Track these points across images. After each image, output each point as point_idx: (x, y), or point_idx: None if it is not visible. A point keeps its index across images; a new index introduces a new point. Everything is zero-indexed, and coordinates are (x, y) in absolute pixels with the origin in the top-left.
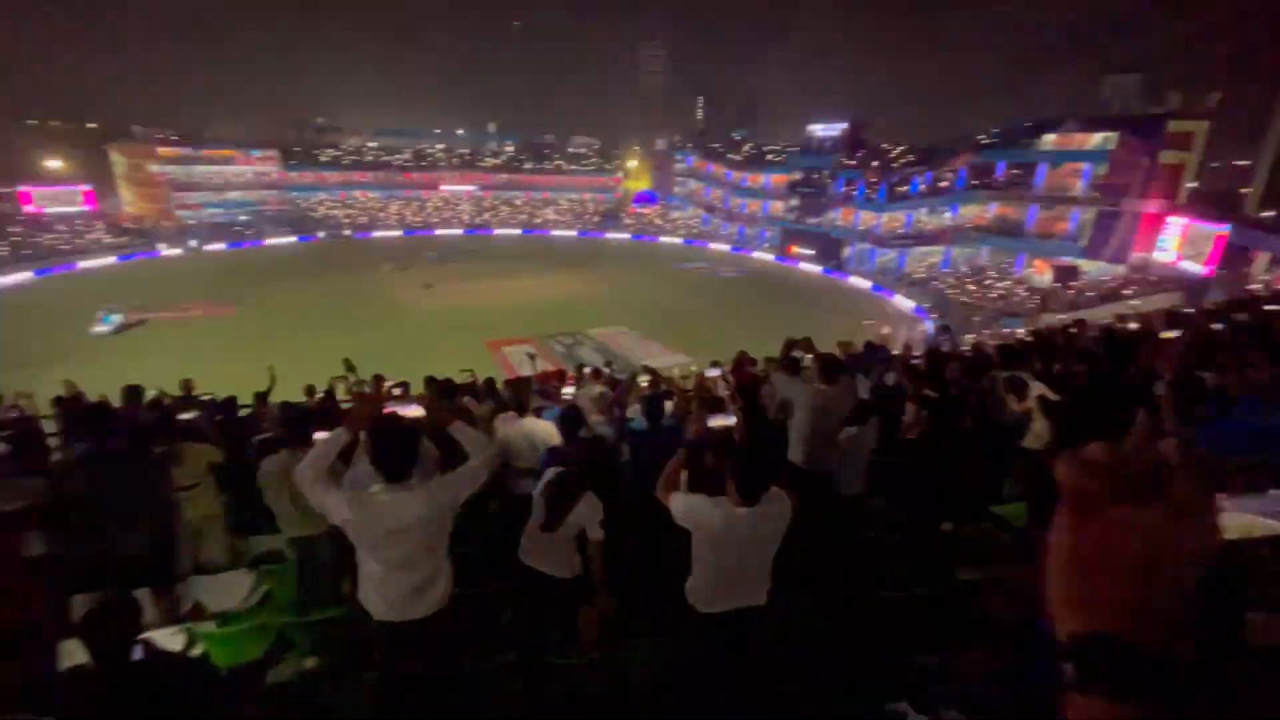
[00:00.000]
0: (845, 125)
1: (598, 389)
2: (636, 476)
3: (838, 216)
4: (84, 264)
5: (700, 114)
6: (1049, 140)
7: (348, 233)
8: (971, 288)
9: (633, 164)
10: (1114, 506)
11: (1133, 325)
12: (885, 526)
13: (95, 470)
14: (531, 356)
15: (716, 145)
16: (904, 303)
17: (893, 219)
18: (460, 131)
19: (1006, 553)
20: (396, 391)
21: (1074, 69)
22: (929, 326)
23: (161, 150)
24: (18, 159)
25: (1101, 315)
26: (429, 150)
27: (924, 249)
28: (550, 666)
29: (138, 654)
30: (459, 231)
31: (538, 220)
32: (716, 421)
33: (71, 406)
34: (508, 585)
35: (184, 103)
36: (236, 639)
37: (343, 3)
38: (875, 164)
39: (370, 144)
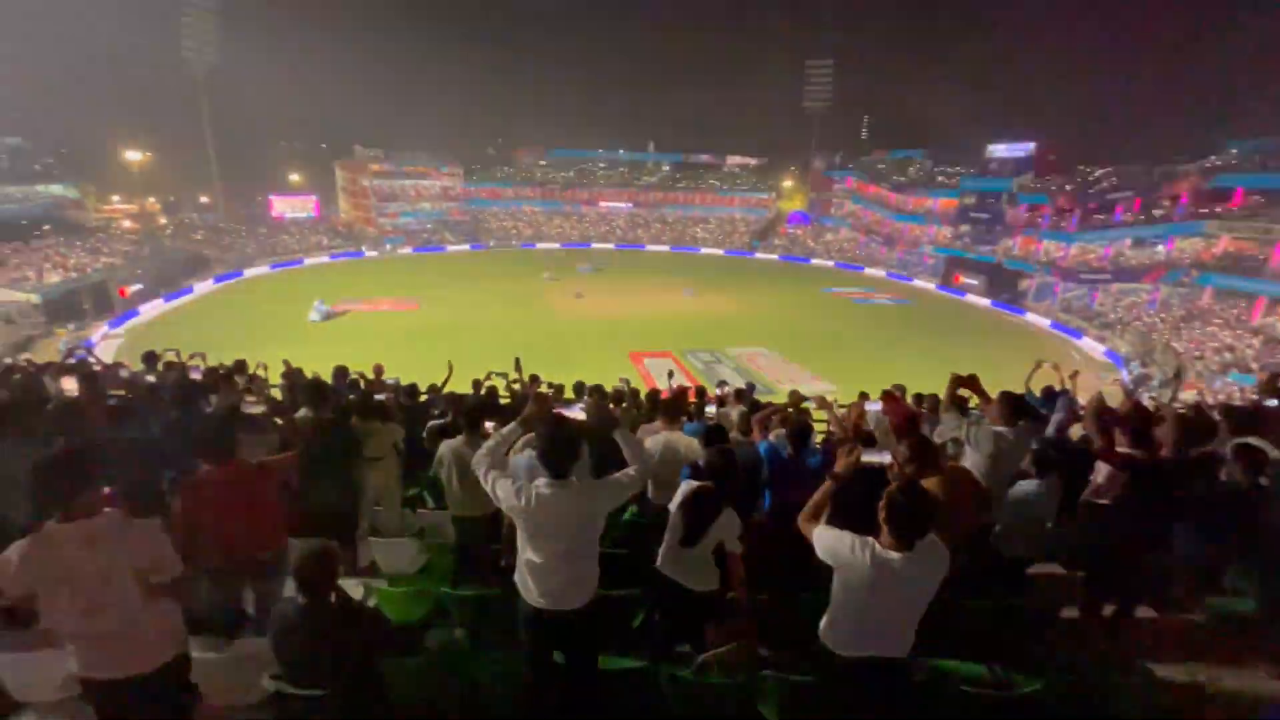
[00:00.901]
0: (1032, 145)
1: (740, 409)
2: (774, 502)
3: (1015, 245)
4: (308, 261)
5: (865, 133)
6: None
7: (515, 243)
8: (1188, 334)
9: (788, 184)
10: None
11: None
12: (1059, 600)
13: (311, 435)
14: (670, 373)
15: (880, 166)
16: (1093, 345)
17: (1085, 250)
18: (621, 151)
19: (1219, 653)
20: (549, 391)
21: None
22: (1124, 375)
23: (373, 167)
24: (268, 173)
25: None
26: (591, 169)
27: (1124, 285)
28: (675, 678)
29: (331, 596)
30: (612, 246)
31: (688, 237)
32: (871, 458)
33: (295, 379)
34: (644, 591)
35: (390, 125)
36: (401, 599)
37: (530, 40)
38: (1068, 187)
39: (540, 162)
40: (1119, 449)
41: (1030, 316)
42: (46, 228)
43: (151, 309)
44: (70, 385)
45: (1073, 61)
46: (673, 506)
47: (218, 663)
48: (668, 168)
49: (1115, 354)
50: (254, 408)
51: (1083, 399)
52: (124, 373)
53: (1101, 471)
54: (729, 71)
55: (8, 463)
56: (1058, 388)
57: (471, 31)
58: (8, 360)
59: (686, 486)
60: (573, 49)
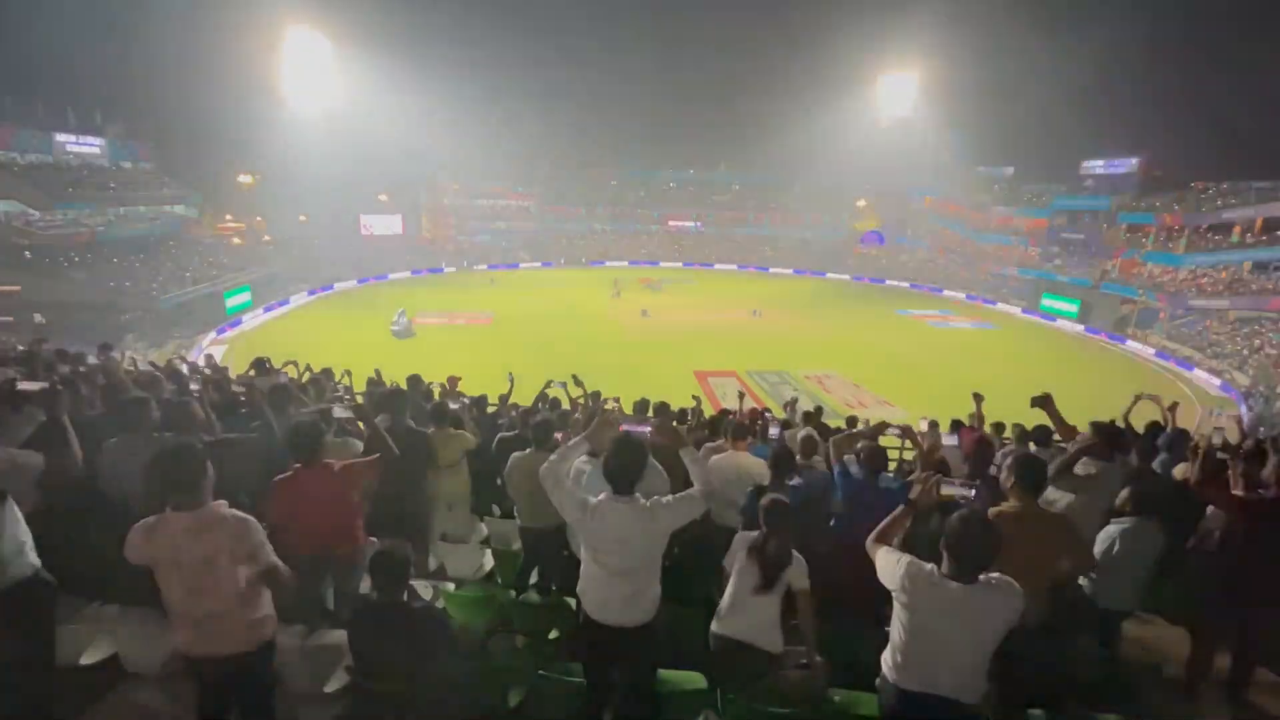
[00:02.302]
0: (1134, 160)
1: (806, 431)
2: (845, 529)
3: (1113, 267)
4: (392, 276)
5: (946, 150)
6: None
7: (584, 260)
8: None
9: (861, 203)
10: None
11: None
12: (1161, 656)
13: (408, 442)
14: (741, 395)
15: (963, 184)
16: (1206, 378)
17: (1196, 273)
18: (691, 171)
19: None
20: (611, 406)
21: None
22: (1244, 411)
23: (454, 187)
24: (360, 192)
25: None
26: (661, 188)
27: (1243, 311)
28: (733, 702)
29: (404, 595)
30: (680, 264)
31: (757, 257)
32: (952, 491)
33: (376, 387)
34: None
35: (470, 147)
36: (467, 604)
37: (603, 63)
38: (1176, 205)
39: (611, 182)
40: (1234, 491)
41: (1131, 344)
42: (172, 244)
43: (253, 319)
44: (190, 386)
45: (1184, 69)
46: (731, 564)
47: (299, 651)
48: (737, 187)
49: (1232, 388)
50: (341, 413)
51: (1192, 435)
52: (229, 377)
53: (1213, 516)
54: (802, 88)
55: (131, 455)
56: (1163, 423)
57: (547, 58)
58: (134, 360)
59: (747, 537)
60: (644, 70)
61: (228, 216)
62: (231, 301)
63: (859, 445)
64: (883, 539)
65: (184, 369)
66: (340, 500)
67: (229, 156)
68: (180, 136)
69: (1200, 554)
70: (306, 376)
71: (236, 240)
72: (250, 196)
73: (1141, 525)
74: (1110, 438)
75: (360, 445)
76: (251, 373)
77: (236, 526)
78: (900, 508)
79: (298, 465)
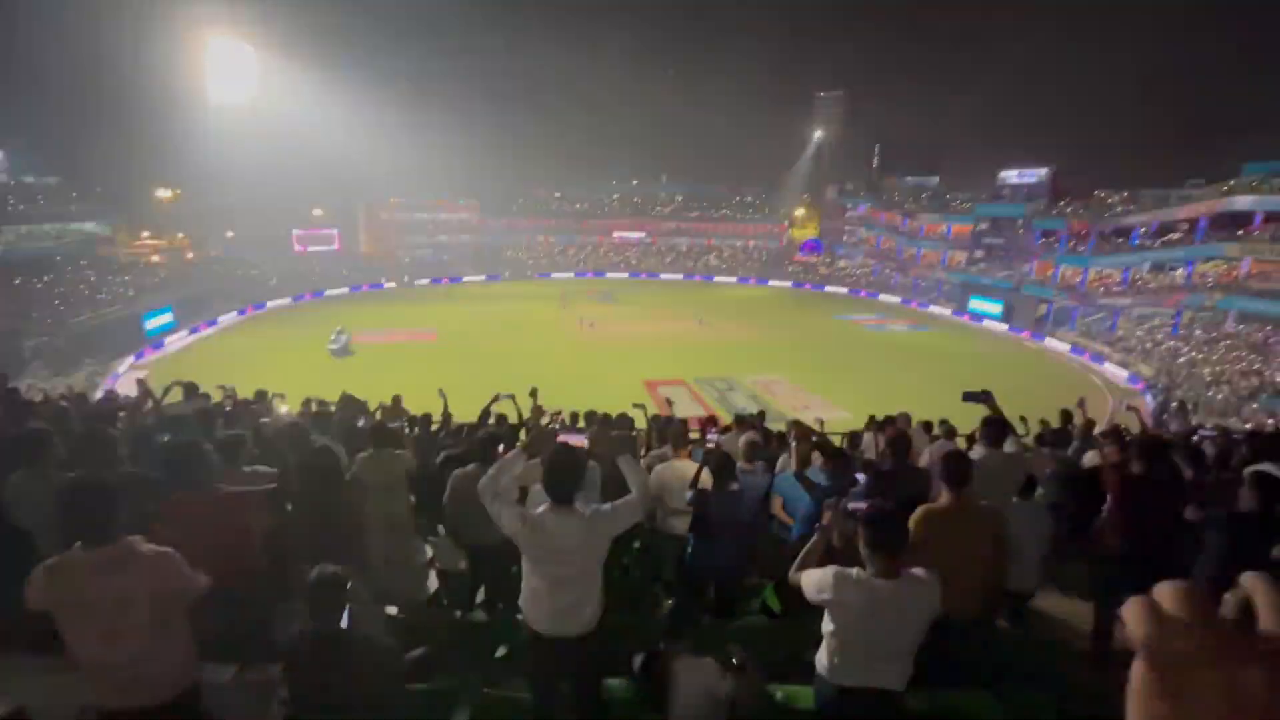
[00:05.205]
0: (1045, 170)
1: (746, 435)
2: (806, 530)
3: (1031, 270)
4: (329, 293)
5: (876, 161)
6: None
7: (530, 273)
8: (1214, 358)
9: (800, 212)
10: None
11: None
12: (1073, 631)
13: (318, 464)
14: (669, 401)
15: (896, 195)
16: (1115, 371)
17: (1102, 274)
18: (635, 182)
19: None
20: (546, 419)
21: None
22: (1149, 400)
23: (393, 200)
24: (291, 207)
25: None
26: (604, 200)
27: (1144, 309)
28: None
29: (345, 621)
30: (625, 275)
31: (701, 266)
32: (856, 506)
33: (311, 405)
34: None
35: (410, 160)
36: (411, 626)
37: (543, 76)
38: (1083, 211)
39: (555, 194)
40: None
41: (1050, 342)
42: (83, 263)
43: (178, 341)
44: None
45: (1087, 86)
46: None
47: (230, 687)
48: (680, 198)
49: (1139, 379)
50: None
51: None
52: (149, 403)
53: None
54: (740, 103)
55: (35, 490)
56: (1072, 412)
57: (484, 70)
58: (41, 390)
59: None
60: (584, 83)
61: (145, 234)
62: (151, 323)
63: (803, 452)
64: (804, 567)
65: (103, 393)
66: (226, 526)
67: (145, 171)
68: (90, 149)
69: (1101, 531)
70: (230, 403)
71: (156, 259)
72: (171, 212)
73: (1026, 507)
74: (998, 429)
75: (266, 470)
76: (182, 398)
77: (155, 563)
78: (814, 537)
79: (180, 492)
